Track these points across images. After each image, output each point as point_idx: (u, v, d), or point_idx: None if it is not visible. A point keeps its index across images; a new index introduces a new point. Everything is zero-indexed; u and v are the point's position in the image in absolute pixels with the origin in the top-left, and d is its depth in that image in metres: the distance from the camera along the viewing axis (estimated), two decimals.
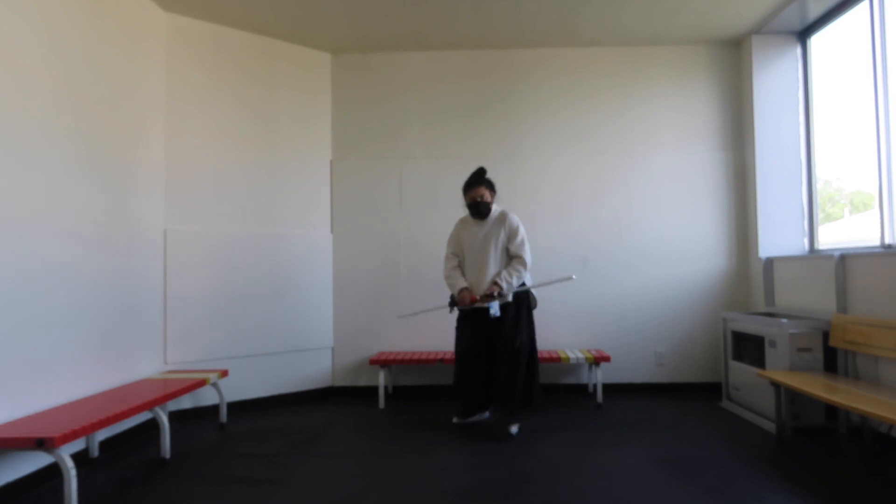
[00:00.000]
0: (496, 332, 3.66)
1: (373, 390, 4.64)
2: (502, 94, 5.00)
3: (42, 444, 2.38)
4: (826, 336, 3.63)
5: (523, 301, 3.72)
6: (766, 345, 3.80)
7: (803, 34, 4.61)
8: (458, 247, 3.85)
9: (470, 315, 3.73)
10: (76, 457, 2.81)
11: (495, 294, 3.59)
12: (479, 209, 3.73)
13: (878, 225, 3.67)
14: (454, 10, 4.27)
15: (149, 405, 3.08)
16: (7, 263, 2.70)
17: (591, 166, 4.92)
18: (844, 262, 3.67)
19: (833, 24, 4.27)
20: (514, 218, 3.75)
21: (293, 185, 4.75)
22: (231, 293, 4.36)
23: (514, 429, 3.63)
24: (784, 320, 3.69)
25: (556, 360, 4.38)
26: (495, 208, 3.81)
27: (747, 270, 4.84)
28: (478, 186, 3.73)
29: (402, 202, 4.96)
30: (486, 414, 3.93)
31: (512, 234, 3.70)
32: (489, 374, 3.71)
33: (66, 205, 3.12)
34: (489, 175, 3.83)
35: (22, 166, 2.82)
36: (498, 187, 3.85)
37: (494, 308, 3.59)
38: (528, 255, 3.68)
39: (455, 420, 3.87)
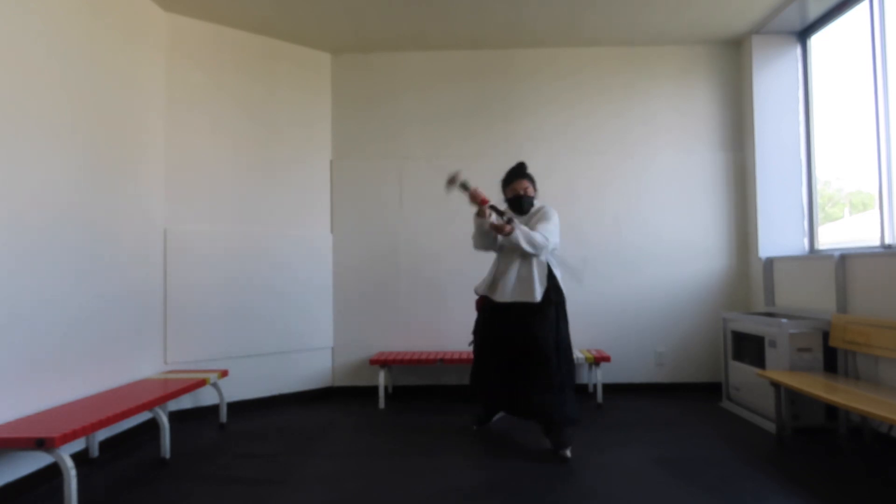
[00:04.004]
0: (531, 335, 3.27)
1: (373, 390, 4.64)
2: (502, 95, 5.00)
3: (42, 444, 2.38)
4: (826, 336, 3.63)
5: (554, 301, 3.35)
6: (766, 345, 3.80)
7: (803, 34, 4.61)
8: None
9: (499, 314, 3.40)
10: (76, 457, 2.81)
11: (505, 218, 3.25)
12: (521, 204, 3.47)
13: (878, 225, 3.67)
14: (454, 10, 4.27)
15: (149, 405, 3.08)
16: (6, 263, 2.70)
17: (591, 167, 4.92)
18: (844, 262, 3.67)
19: (833, 24, 4.27)
20: (552, 209, 3.48)
21: (293, 185, 4.75)
22: (231, 293, 4.36)
23: (567, 451, 3.21)
24: (784, 320, 3.69)
25: None
26: (537, 204, 3.54)
27: (747, 270, 4.84)
28: (521, 179, 3.48)
29: (402, 202, 4.95)
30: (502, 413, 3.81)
31: (543, 216, 3.39)
32: (514, 378, 3.36)
33: (65, 205, 3.12)
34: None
35: (21, 166, 2.82)
36: (498, 187, 3.66)
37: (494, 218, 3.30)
38: (550, 236, 3.30)
39: (476, 427, 3.76)
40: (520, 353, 3.30)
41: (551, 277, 3.35)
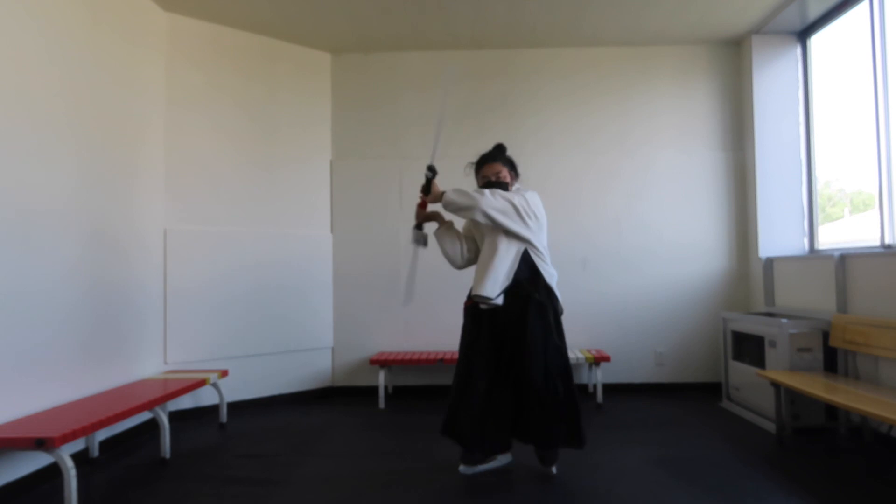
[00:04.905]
0: (522, 347, 2.74)
1: (373, 390, 4.64)
2: (502, 95, 4.99)
3: (42, 444, 2.38)
4: (826, 336, 3.63)
5: (548, 306, 2.81)
6: (766, 345, 3.80)
7: (803, 34, 4.61)
8: (473, 226, 3.05)
9: (485, 319, 2.83)
10: (76, 457, 2.81)
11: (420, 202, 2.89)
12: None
13: (878, 225, 3.67)
14: (454, 10, 4.27)
15: (149, 405, 3.08)
16: (7, 263, 2.70)
17: (592, 167, 4.92)
18: (844, 262, 3.67)
19: (833, 24, 4.27)
20: (531, 193, 2.87)
21: (293, 185, 4.75)
22: (231, 293, 4.36)
23: (554, 468, 2.90)
24: (784, 320, 3.69)
25: None
26: (518, 190, 2.93)
27: (747, 270, 4.84)
28: (492, 163, 2.92)
29: (402, 202, 4.95)
30: (509, 457, 3.02)
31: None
32: (513, 403, 2.83)
33: (65, 205, 3.11)
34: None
35: (21, 167, 2.81)
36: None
37: (416, 238, 2.99)
38: (491, 201, 2.69)
39: (462, 468, 2.93)
40: (508, 368, 2.79)
41: (535, 276, 2.81)
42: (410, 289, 3.31)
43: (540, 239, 2.85)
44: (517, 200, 2.75)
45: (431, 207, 3.02)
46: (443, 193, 2.79)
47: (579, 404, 2.80)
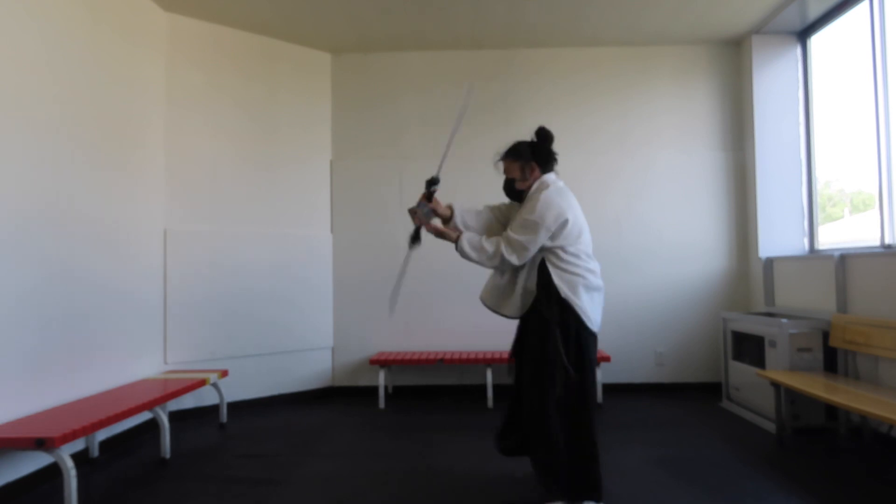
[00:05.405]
0: (522, 364, 2.65)
1: (373, 390, 4.63)
2: (503, 95, 4.99)
3: (42, 444, 2.38)
4: (826, 336, 3.63)
5: (555, 324, 2.53)
6: (766, 345, 3.80)
7: (803, 34, 4.61)
8: (500, 213, 2.86)
9: (520, 327, 2.77)
10: (76, 457, 2.81)
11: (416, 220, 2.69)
12: (505, 189, 2.78)
13: (878, 225, 3.67)
14: (454, 10, 4.27)
15: (149, 405, 3.08)
16: (7, 263, 2.70)
17: (592, 167, 4.91)
18: (844, 262, 3.67)
19: (833, 24, 4.27)
20: (549, 192, 2.60)
21: (293, 185, 4.75)
22: (231, 293, 4.36)
23: None
24: (784, 320, 3.69)
25: None
26: (549, 182, 2.72)
27: (747, 270, 4.84)
28: (503, 160, 2.78)
29: (402, 202, 4.94)
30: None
31: (526, 209, 2.54)
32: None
33: (65, 205, 3.11)
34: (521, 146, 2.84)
35: (21, 167, 2.81)
36: (497, 192, 2.90)
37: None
38: (523, 244, 2.46)
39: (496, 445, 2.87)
40: (527, 389, 2.59)
41: (546, 286, 2.54)
42: (395, 298, 3.13)
43: (562, 240, 2.56)
44: (532, 242, 2.49)
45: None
46: (459, 235, 2.60)
47: (577, 450, 2.47)
